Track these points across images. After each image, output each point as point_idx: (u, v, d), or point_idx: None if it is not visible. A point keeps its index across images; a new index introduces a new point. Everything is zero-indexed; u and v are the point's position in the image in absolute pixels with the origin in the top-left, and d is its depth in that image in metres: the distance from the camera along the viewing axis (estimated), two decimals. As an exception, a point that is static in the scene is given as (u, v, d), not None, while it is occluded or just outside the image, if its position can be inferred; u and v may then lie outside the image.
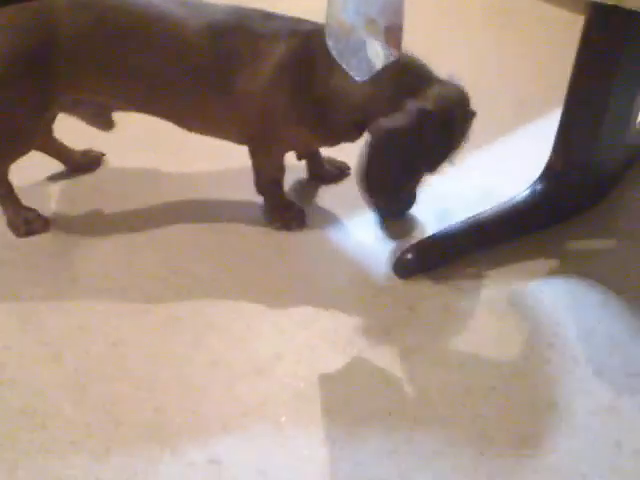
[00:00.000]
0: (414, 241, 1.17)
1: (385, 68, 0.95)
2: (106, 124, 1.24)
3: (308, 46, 1.08)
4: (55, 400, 0.94)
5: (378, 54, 0.97)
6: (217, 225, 1.23)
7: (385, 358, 1.00)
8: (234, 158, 1.24)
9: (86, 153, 1.39)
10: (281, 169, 1.22)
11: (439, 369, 0.99)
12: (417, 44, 1.06)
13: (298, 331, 1.05)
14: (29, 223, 1.22)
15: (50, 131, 1.31)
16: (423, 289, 1.11)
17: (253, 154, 1.19)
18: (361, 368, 0.99)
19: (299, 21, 1.12)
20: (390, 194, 1.14)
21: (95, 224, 1.24)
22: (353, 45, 0.99)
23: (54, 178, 1.36)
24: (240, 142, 1.19)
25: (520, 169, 1.36)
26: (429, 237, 1.17)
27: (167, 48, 1.10)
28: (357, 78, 1.03)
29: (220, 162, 1.37)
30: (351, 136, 1.15)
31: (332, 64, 0.99)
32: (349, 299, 1.10)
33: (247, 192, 1.25)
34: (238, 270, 1.15)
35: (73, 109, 1.20)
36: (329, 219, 1.26)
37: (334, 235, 1.22)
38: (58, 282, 1.12)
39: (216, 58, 1.09)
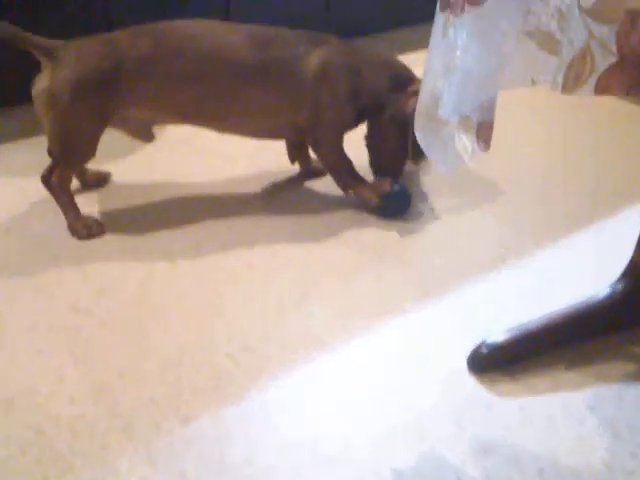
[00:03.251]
0: (489, 337, 1.14)
1: (383, 67, 1.45)
2: (147, 136, 1.48)
3: (338, 50, 1.42)
4: (125, 475, 0.93)
5: (466, 147, 0.98)
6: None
7: (458, 455, 0.97)
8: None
9: (96, 172, 1.58)
10: (344, 155, 1.48)
11: (515, 473, 0.95)
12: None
13: (368, 420, 1.02)
14: (89, 227, 1.40)
15: None
16: (498, 386, 1.08)
17: (316, 146, 1.47)
18: (433, 464, 0.96)
19: (328, 37, 1.43)
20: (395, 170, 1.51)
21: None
22: (442, 139, 1.00)
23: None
24: (290, 135, 1.49)
25: (598, 266, 1.34)
26: (505, 332, 1.14)
27: (218, 59, 1.35)
28: (443, 170, 1.05)
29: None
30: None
31: (359, 65, 1.42)
32: (421, 391, 1.08)
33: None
34: (310, 351, 1.14)
35: (120, 124, 1.43)
36: (398, 307, 1.25)
37: (405, 324, 1.21)
38: (133, 353, 1.13)
39: (263, 63, 1.36)
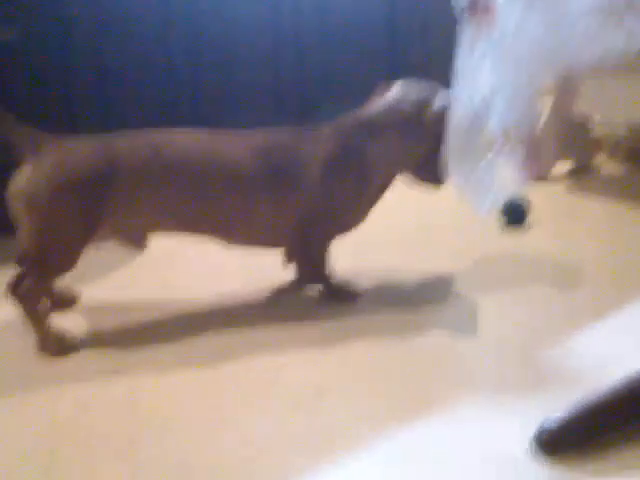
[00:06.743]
0: (559, 411, 0.96)
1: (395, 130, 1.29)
2: (140, 245, 1.32)
3: (339, 143, 1.30)
4: None
5: (505, 180, 0.87)
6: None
7: None
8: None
9: (65, 291, 1.37)
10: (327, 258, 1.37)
11: None
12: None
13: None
14: (60, 342, 1.21)
15: None
16: (574, 471, 0.89)
17: (307, 249, 1.34)
18: None
19: (319, 128, 1.32)
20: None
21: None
22: (478, 176, 0.90)
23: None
24: (284, 243, 1.35)
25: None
26: (576, 404, 0.96)
27: (220, 172, 1.25)
28: (479, 212, 0.94)
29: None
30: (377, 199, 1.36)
31: (364, 143, 1.29)
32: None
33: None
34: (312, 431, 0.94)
35: (110, 232, 1.26)
36: (457, 388, 1.07)
37: (465, 408, 1.04)
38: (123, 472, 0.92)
39: (266, 172, 1.26)
